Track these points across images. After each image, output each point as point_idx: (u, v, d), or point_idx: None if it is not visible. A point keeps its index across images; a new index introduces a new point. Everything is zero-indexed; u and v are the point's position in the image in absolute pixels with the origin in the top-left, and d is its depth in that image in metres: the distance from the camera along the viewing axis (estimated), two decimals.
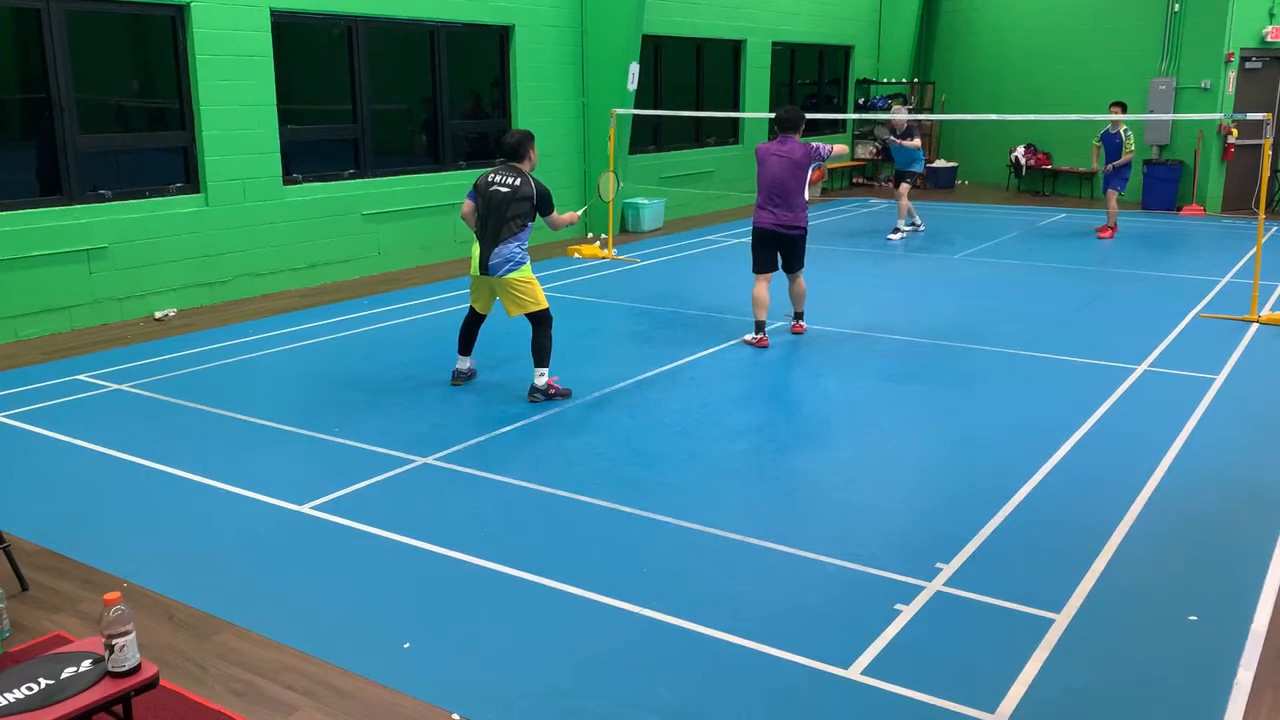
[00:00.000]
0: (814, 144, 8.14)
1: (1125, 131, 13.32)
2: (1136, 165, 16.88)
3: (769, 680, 3.67)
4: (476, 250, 6.79)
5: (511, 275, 6.69)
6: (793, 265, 8.29)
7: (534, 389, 6.80)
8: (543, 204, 6.76)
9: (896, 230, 13.89)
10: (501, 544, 4.72)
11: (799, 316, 8.62)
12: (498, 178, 6.74)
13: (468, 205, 6.87)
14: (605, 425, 6.40)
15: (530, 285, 6.76)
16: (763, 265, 8.26)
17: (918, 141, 13.91)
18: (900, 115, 13.97)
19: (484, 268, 6.72)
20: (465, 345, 7.19)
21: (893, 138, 13.99)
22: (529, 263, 6.81)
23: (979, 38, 20.00)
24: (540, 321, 6.77)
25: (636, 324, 9.09)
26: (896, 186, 14.01)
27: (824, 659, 3.77)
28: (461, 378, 7.21)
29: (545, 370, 6.79)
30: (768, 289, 8.26)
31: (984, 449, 5.96)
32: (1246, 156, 16.11)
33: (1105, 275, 11.14)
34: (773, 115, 8.58)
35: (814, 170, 8.22)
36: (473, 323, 7.14)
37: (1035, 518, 5.00)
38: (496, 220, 6.67)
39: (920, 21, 20.56)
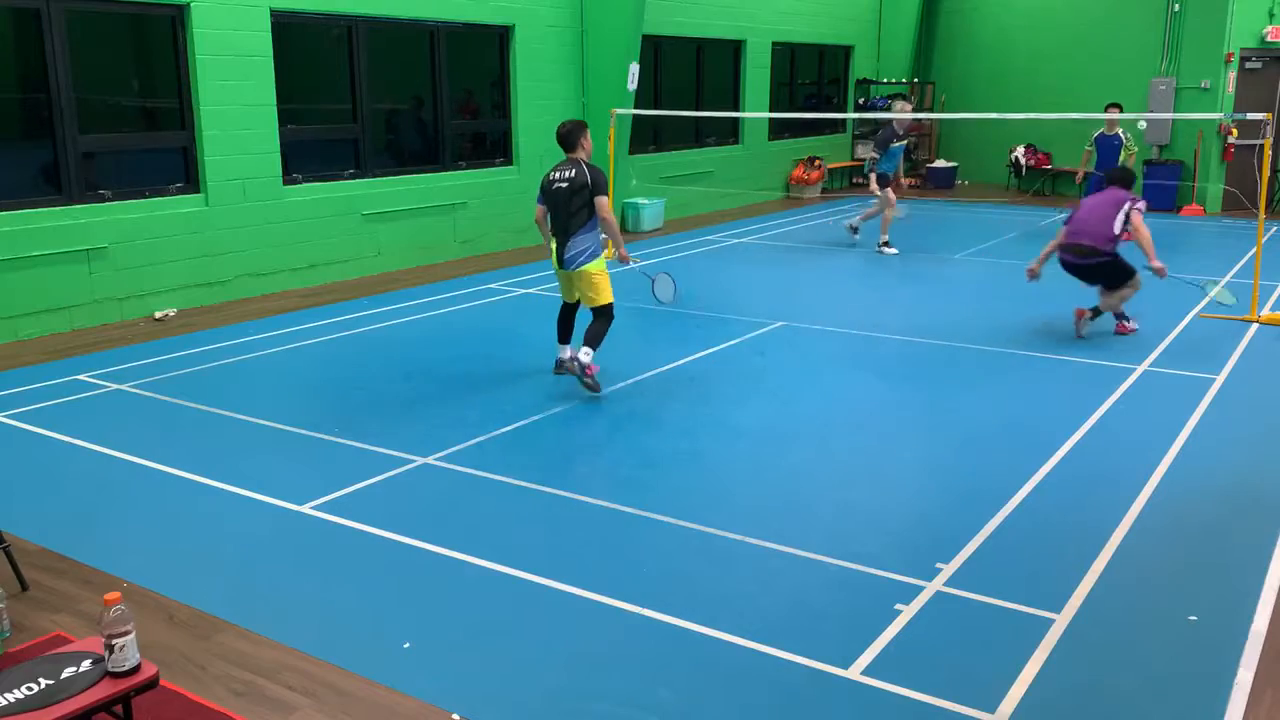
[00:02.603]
0: (1138, 202, 8.35)
1: (1125, 135, 12.94)
2: (1138, 168, 16.85)
3: (769, 680, 3.66)
4: (554, 246, 7.03)
5: (586, 267, 6.91)
6: (1108, 285, 8.47)
7: (574, 359, 6.90)
8: (595, 185, 6.84)
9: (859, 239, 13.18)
10: (501, 544, 4.72)
11: (1120, 317, 8.62)
12: (556, 174, 6.94)
13: (539, 210, 7.07)
14: (605, 425, 6.40)
15: (601, 278, 6.96)
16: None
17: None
18: (906, 115, 13.00)
19: (561, 262, 6.97)
20: (564, 334, 7.36)
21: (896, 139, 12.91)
22: (603, 255, 6.99)
23: (979, 38, 20.02)
24: (601, 314, 7.00)
25: (637, 324, 9.08)
26: (885, 188, 12.79)
27: (824, 659, 3.77)
28: (562, 367, 7.30)
29: (591, 353, 6.87)
30: None
31: (984, 449, 5.96)
32: (1246, 156, 16.11)
33: None
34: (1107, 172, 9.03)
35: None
36: (567, 313, 7.34)
37: (1035, 518, 5.00)
38: (564, 215, 6.88)
39: (920, 21, 20.56)
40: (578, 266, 6.89)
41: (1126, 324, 8.60)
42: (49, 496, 5.35)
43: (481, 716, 3.49)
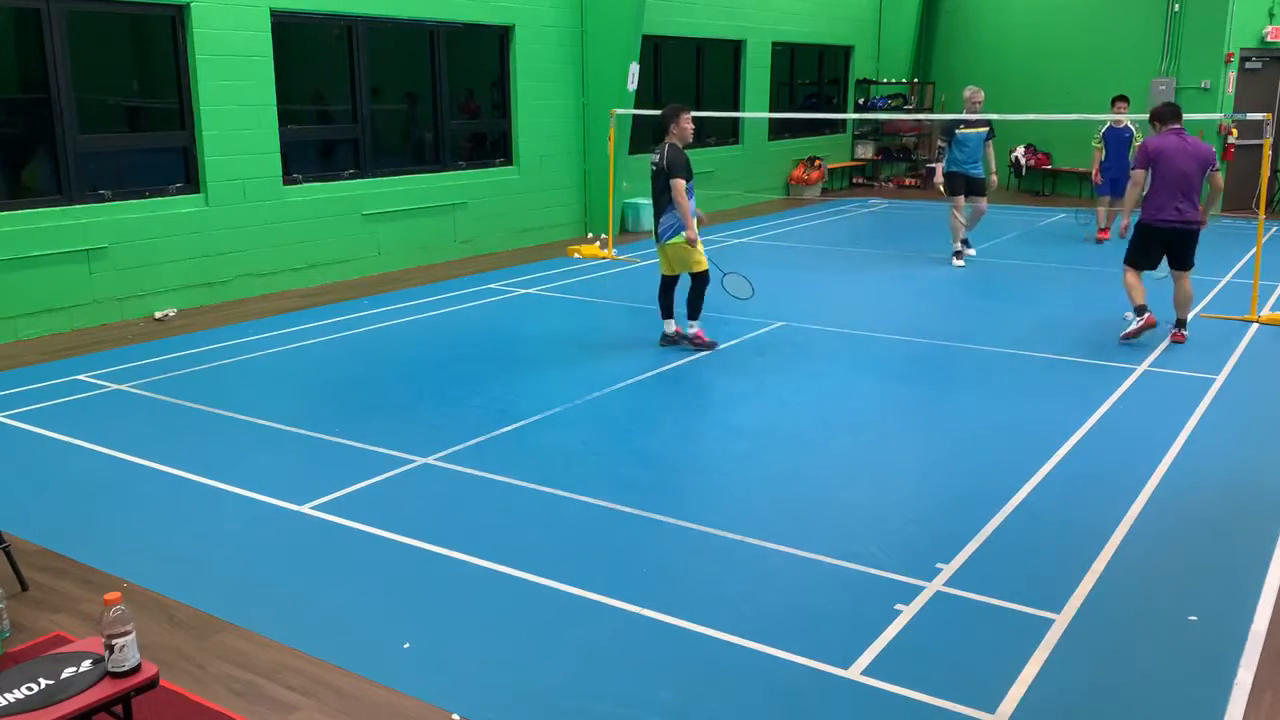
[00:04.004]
0: (1214, 159, 8.05)
1: (1134, 126, 12.77)
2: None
3: (769, 680, 3.67)
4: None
5: (671, 241, 7.83)
6: (1184, 263, 8.09)
7: (681, 335, 8.06)
8: (670, 169, 7.64)
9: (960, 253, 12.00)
10: (501, 544, 4.72)
11: (1181, 324, 8.22)
12: (653, 156, 7.83)
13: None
14: (605, 425, 6.40)
15: (682, 250, 7.80)
16: (1149, 262, 8.17)
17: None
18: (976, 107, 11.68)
19: (655, 236, 7.93)
20: (665, 310, 8.12)
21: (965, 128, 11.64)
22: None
23: (979, 37, 19.99)
24: (696, 280, 7.89)
25: (636, 324, 9.08)
26: (955, 195, 11.78)
27: (824, 659, 3.77)
28: (668, 340, 8.09)
29: (695, 322, 7.99)
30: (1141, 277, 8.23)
31: (984, 449, 5.96)
32: (1246, 156, 16.11)
33: (1105, 275, 11.12)
34: (1154, 110, 8.35)
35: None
36: (666, 287, 8.09)
37: (1035, 518, 5.00)
38: (655, 194, 7.83)
39: (920, 21, 20.56)
40: (665, 240, 7.85)
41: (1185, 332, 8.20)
42: (49, 496, 5.35)
43: (481, 716, 3.49)
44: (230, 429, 6.32)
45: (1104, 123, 13.03)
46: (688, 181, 7.68)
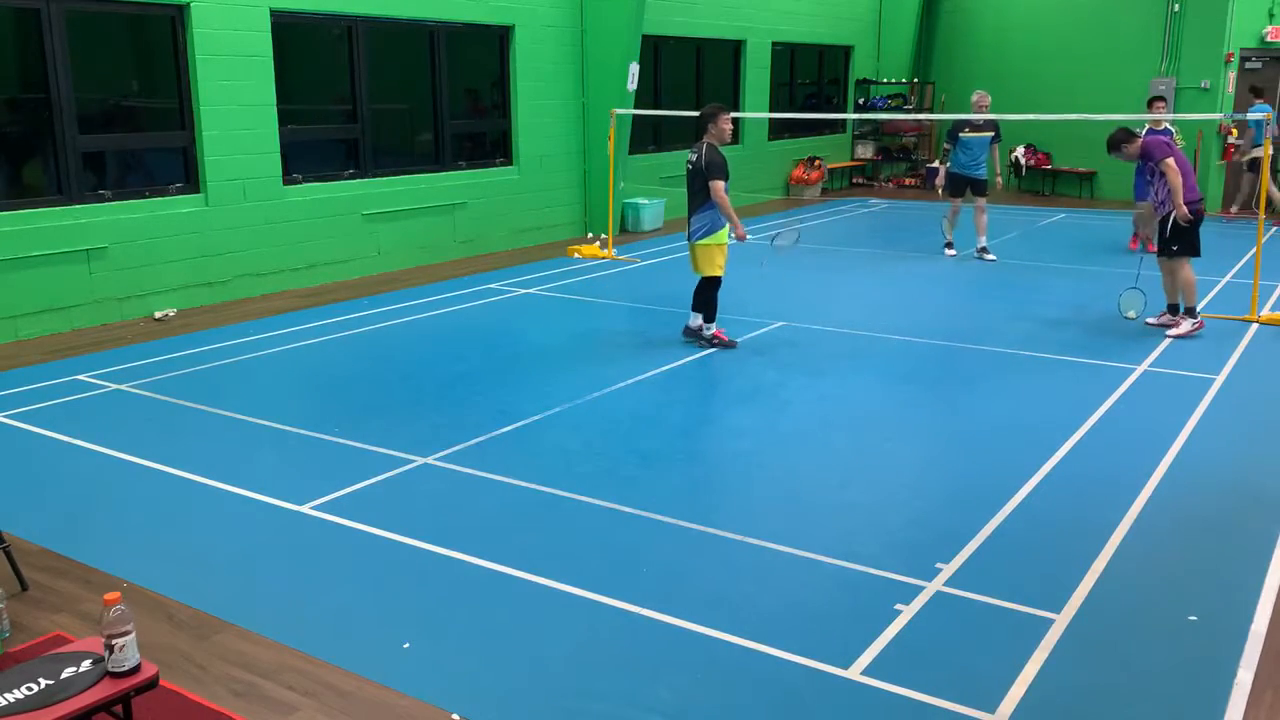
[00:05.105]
0: None
1: (1172, 127, 12.39)
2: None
3: (769, 680, 3.67)
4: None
5: (700, 241, 7.89)
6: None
7: (700, 336, 8.11)
8: (709, 170, 7.64)
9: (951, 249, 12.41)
10: (501, 544, 4.72)
11: (1176, 310, 8.75)
12: (690, 155, 7.86)
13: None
14: (605, 425, 6.40)
15: (708, 251, 7.87)
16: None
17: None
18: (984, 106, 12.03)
19: (687, 235, 7.99)
20: (697, 303, 8.18)
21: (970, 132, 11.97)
22: (720, 230, 7.84)
23: (979, 38, 20.00)
24: (705, 285, 7.97)
25: (636, 324, 9.09)
26: (956, 196, 12.24)
27: (824, 659, 3.77)
28: (690, 332, 8.22)
29: (699, 318, 8.08)
30: None
31: (984, 449, 5.96)
32: None
33: (1105, 275, 11.14)
34: (1114, 137, 8.64)
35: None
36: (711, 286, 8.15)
37: (1035, 517, 5.00)
38: (689, 194, 7.87)
39: (920, 21, 20.56)
40: (694, 240, 7.89)
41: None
42: (50, 496, 5.35)
43: (481, 716, 3.49)
44: (230, 429, 6.32)
45: (1141, 124, 12.73)
46: (726, 182, 7.73)
